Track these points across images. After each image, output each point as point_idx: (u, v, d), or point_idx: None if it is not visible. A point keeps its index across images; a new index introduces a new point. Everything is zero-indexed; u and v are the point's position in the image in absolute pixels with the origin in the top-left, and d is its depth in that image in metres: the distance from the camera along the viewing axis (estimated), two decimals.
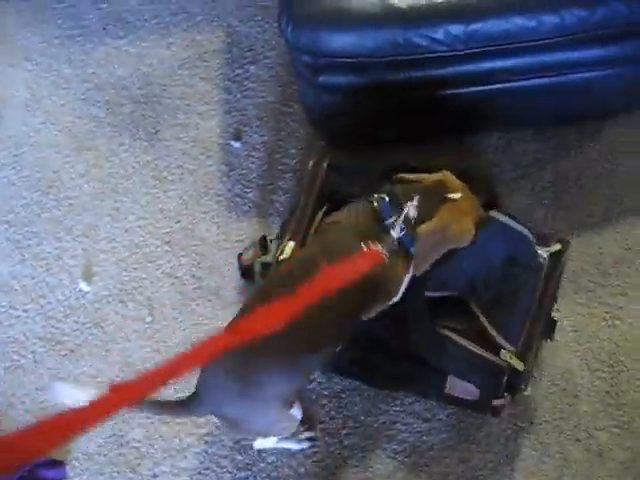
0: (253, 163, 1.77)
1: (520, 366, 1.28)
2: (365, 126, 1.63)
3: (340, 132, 1.68)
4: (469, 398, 1.37)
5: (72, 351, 1.65)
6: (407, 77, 1.47)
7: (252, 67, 1.85)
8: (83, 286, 1.70)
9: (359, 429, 1.54)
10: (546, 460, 1.50)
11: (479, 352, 1.29)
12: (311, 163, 1.49)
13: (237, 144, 1.79)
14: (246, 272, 1.62)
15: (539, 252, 1.35)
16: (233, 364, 1.15)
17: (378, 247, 1.15)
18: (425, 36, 1.37)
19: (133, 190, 1.77)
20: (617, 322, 1.57)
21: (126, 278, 1.70)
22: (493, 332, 1.29)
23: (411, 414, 1.54)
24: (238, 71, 1.85)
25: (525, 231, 1.37)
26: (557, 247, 1.35)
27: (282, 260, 1.39)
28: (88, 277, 1.71)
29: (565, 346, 1.56)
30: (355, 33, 1.38)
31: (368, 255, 1.15)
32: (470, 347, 1.30)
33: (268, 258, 1.46)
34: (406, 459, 1.51)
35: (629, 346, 1.56)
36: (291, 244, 1.40)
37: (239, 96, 1.83)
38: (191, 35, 1.91)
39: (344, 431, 1.54)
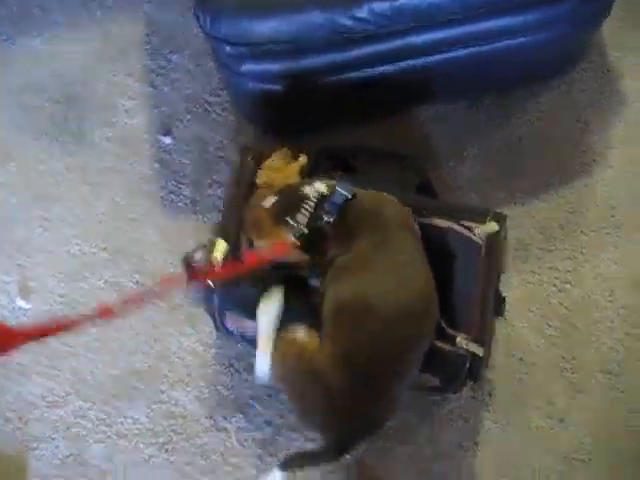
0: (185, 158, 1.70)
1: (480, 351, 1.25)
2: (296, 111, 1.58)
3: (270, 119, 1.63)
4: (430, 385, 1.35)
5: (18, 372, 1.59)
6: (334, 58, 1.41)
7: (175, 57, 1.77)
8: (21, 303, 1.62)
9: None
10: (509, 430, 1.50)
11: (437, 345, 1.27)
12: (238, 158, 1.43)
13: (167, 139, 1.72)
14: (194, 275, 1.57)
15: (475, 234, 1.31)
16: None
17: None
18: (350, 16, 1.32)
19: (63, 197, 1.69)
20: (567, 286, 1.57)
21: (66, 290, 1.63)
22: (442, 324, 1.27)
23: None
24: (161, 62, 1.77)
25: (463, 231, 1.32)
26: (493, 227, 1.30)
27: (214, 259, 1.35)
28: (26, 293, 1.63)
29: (519, 315, 1.55)
30: (276, 19, 1.32)
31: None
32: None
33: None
34: (371, 444, 1.51)
35: (580, 309, 1.56)
36: (221, 242, 1.36)
37: (165, 89, 1.75)
38: (106, 27, 1.82)
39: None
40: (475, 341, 1.26)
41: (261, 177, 1.34)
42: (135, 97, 1.75)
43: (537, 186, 1.64)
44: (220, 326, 1.44)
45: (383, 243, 1.20)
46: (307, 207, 1.22)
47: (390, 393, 1.19)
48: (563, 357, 1.53)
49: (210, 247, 1.36)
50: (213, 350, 1.58)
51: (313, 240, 1.24)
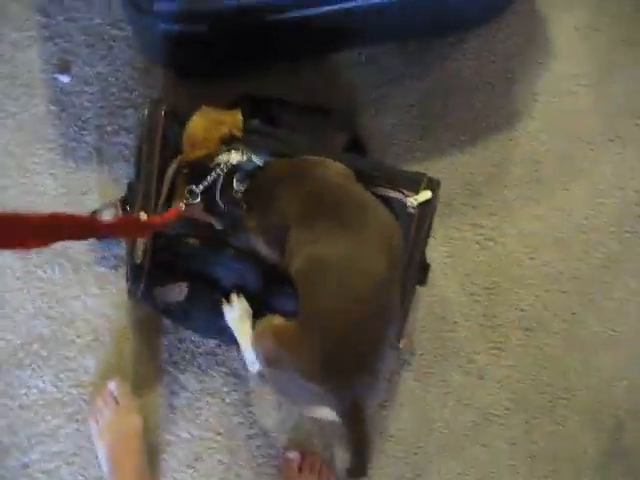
0: (87, 100, 1.51)
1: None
2: (210, 55, 1.42)
3: (182, 62, 1.47)
4: None
5: None
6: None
7: None
8: None
9: (240, 385, 1.47)
10: (430, 390, 1.51)
11: None
12: (146, 113, 1.28)
13: (65, 78, 1.52)
14: (102, 237, 1.44)
15: (407, 204, 1.23)
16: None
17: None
18: None
19: None
20: (490, 243, 1.55)
21: None
22: None
23: None
24: None
25: (398, 196, 1.24)
26: (427, 195, 1.24)
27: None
28: None
29: (441, 273, 1.53)
30: None
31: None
32: None
33: None
34: (291, 408, 1.48)
35: (503, 266, 1.55)
36: (142, 217, 1.24)
37: (59, 18, 1.53)
38: None
39: (225, 389, 1.47)
40: None
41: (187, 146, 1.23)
42: (24, 28, 1.52)
43: (462, 138, 1.58)
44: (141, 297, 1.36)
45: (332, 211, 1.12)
46: (211, 176, 1.18)
47: (371, 343, 1.10)
48: (484, 315, 1.53)
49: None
50: (122, 312, 1.47)
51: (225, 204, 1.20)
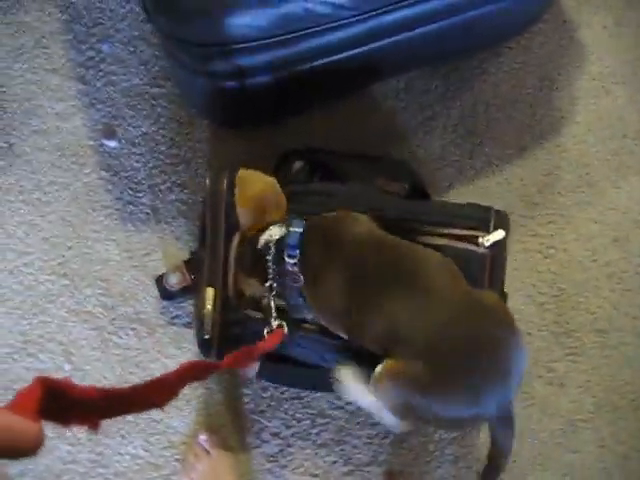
0: (137, 161, 1.52)
1: None
2: (256, 104, 1.43)
3: (229, 114, 1.48)
4: None
5: None
6: (306, 47, 1.27)
7: (104, 46, 1.55)
8: None
9: (329, 424, 1.48)
10: (514, 404, 1.51)
11: None
12: (208, 183, 1.27)
13: (112, 143, 1.53)
14: (169, 297, 1.45)
15: (479, 244, 1.21)
16: None
17: None
18: (327, 3, 1.18)
19: (4, 223, 1.49)
20: (552, 251, 1.57)
21: (27, 327, 1.46)
22: None
23: None
24: (89, 53, 1.55)
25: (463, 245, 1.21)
26: (500, 235, 1.21)
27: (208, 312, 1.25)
28: None
29: (509, 287, 1.54)
30: (249, 14, 1.16)
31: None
32: None
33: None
34: (383, 440, 1.48)
35: (567, 272, 1.57)
36: (210, 292, 1.25)
37: (98, 84, 1.54)
38: (17, 18, 1.56)
39: (314, 430, 1.49)
40: None
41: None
42: (66, 98, 1.54)
43: (510, 151, 1.59)
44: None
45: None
46: (269, 260, 1.13)
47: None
48: (556, 322, 1.55)
49: (200, 301, 1.26)
50: None
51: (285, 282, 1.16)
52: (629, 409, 1.54)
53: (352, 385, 1.18)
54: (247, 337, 1.25)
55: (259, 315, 1.23)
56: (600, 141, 1.62)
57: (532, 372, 1.53)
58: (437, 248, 1.17)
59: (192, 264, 1.38)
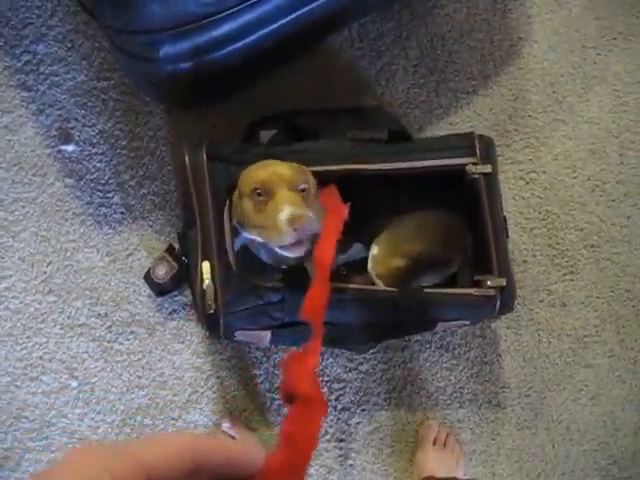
0: (100, 162, 1.45)
1: (502, 282, 1.22)
2: (209, 82, 1.36)
3: (183, 96, 1.40)
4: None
5: (5, 458, 1.40)
6: (246, 20, 1.22)
7: (40, 46, 1.45)
8: None
9: (346, 388, 1.48)
10: (522, 332, 1.53)
11: (464, 292, 1.22)
12: (187, 159, 1.23)
13: (70, 147, 1.45)
14: (163, 291, 1.41)
15: (469, 172, 1.23)
16: None
17: None
18: None
19: None
20: (533, 175, 1.56)
21: (24, 352, 1.41)
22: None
23: (387, 349, 1.50)
24: (25, 57, 1.45)
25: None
26: (487, 169, 1.22)
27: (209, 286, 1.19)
28: None
29: None
30: None
31: None
32: (456, 291, 1.23)
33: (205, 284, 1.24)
34: (401, 393, 1.49)
35: (551, 194, 1.56)
36: (206, 266, 1.20)
37: (42, 88, 1.45)
38: None
39: (333, 396, 1.48)
40: (500, 276, 1.24)
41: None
42: (10, 109, 1.44)
43: (474, 82, 1.57)
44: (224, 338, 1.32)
45: None
46: None
47: None
48: (549, 245, 1.55)
49: (199, 278, 1.20)
50: (210, 358, 1.46)
51: None
52: (632, 315, 1.57)
53: None
54: (262, 308, 1.21)
55: (270, 284, 1.20)
56: (561, 56, 1.60)
57: (533, 297, 1.54)
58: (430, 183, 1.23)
59: (176, 250, 1.36)
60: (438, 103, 1.55)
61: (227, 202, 1.21)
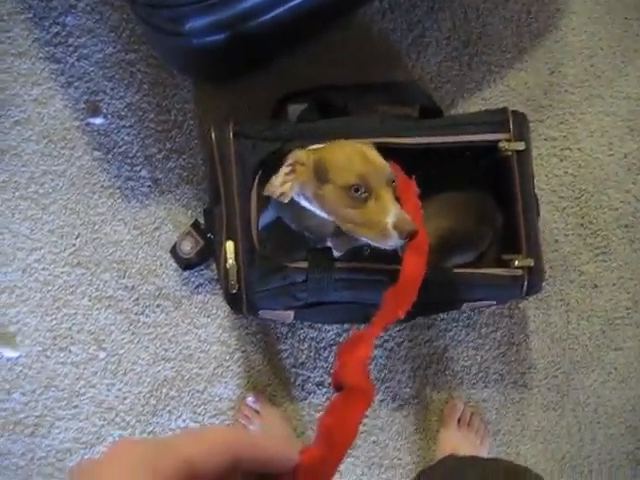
0: (128, 135, 1.45)
1: (530, 262, 1.20)
2: (236, 55, 1.35)
3: (210, 68, 1.39)
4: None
5: (37, 425, 1.44)
6: None
7: (68, 18, 1.45)
8: (8, 353, 1.43)
9: (371, 364, 1.48)
10: (551, 312, 1.51)
11: (491, 272, 1.20)
12: (213, 135, 1.20)
13: (98, 120, 1.45)
14: (189, 266, 1.41)
15: (504, 148, 1.19)
16: None
17: None
18: None
19: (6, 223, 1.44)
20: (567, 152, 1.52)
21: (53, 322, 1.43)
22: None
23: (413, 327, 1.49)
24: (54, 29, 1.45)
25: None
26: (520, 146, 1.19)
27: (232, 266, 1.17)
28: (8, 341, 1.44)
29: None
30: None
31: None
32: (483, 272, 1.21)
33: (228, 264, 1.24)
34: (426, 371, 1.48)
35: (585, 172, 1.52)
36: (230, 245, 1.18)
37: (71, 60, 1.45)
38: None
39: None
40: (529, 256, 1.22)
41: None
42: (40, 81, 1.45)
43: (509, 55, 1.52)
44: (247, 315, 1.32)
45: None
46: None
47: None
48: (581, 224, 1.52)
49: (222, 257, 1.19)
50: (236, 332, 1.47)
51: None
52: None
53: None
54: (286, 288, 1.18)
55: (295, 265, 1.18)
56: (601, 28, 1.54)
57: (564, 277, 1.51)
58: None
59: (201, 225, 1.35)
60: (471, 77, 1.51)
61: (256, 179, 1.20)
